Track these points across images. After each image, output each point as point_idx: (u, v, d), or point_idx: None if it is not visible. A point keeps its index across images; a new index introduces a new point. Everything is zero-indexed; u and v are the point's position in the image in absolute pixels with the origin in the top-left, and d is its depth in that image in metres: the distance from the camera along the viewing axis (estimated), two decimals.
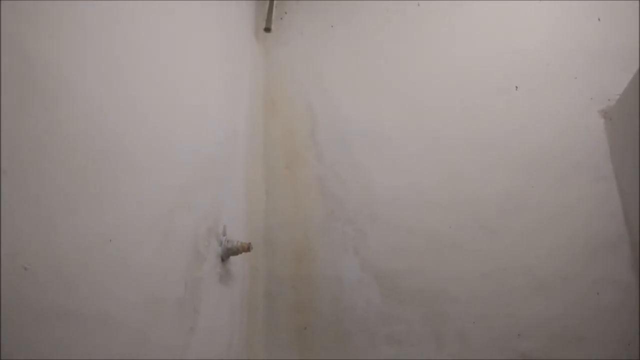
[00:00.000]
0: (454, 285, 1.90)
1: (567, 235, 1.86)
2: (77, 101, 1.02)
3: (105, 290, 1.05)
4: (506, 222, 1.92)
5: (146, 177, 1.27)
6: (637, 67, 1.74)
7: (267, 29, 2.26)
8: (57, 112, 0.96)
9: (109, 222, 1.09)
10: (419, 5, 2.27)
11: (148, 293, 1.22)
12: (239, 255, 1.74)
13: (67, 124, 0.99)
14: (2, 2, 0.84)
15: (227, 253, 1.68)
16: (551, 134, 1.96)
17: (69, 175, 0.98)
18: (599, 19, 2.03)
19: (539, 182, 1.93)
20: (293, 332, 1.97)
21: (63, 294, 0.93)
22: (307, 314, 1.98)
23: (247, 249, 1.67)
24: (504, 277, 1.86)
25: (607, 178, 1.87)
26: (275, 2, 2.25)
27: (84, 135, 1.04)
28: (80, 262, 0.98)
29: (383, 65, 2.23)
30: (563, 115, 1.97)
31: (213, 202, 1.66)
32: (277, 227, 2.11)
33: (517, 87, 2.04)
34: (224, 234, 1.69)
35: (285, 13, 2.43)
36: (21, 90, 0.88)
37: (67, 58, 1.01)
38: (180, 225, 1.43)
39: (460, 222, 1.95)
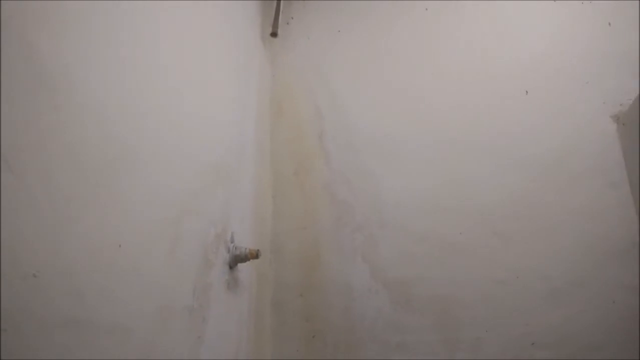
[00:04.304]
0: (466, 292, 1.86)
1: (581, 241, 1.83)
2: (86, 106, 1.00)
3: (114, 298, 1.02)
4: (518, 228, 1.88)
5: (156, 182, 1.24)
6: None
7: (274, 34, 2.24)
8: (66, 116, 0.94)
9: (117, 228, 1.06)
10: (427, 9, 2.25)
11: (157, 301, 1.19)
12: (247, 263, 1.70)
13: (76, 128, 0.96)
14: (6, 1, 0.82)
15: (235, 260, 1.64)
16: (563, 138, 1.94)
17: (78, 180, 0.95)
18: (609, 24, 2.01)
19: (551, 188, 1.90)
20: (301, 340, 1.93)
21: (71, 301, 0.90)
22: (316, 322, 1.94)
23: (256, 256, 1.64)
24: (517, 284, 1.83)
25: (620, 183, 1.84)
26: (281, 7, 2.24)
27: (93, 140, 1.01)
28: (88, 269, 0.95)
29: (391, 69, 2.21)
30: (575, 119, 1.95)
31: (222, 208, 1.63)
32: (285, 233, 2.08)
33: (527, 91, 2.01)
34: (232, 241, 1.66)
35: (292, 18, 2.41)
36: (30, 95, 0.85)
37: (76, 62, 0.98)
38: (189, 231, 1.40)
39: (471, 227, 1.92)
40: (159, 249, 1.23)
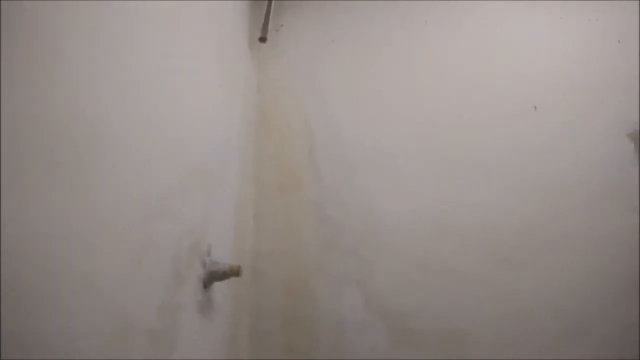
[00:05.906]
0: (473, 326, 1.66)
1: (597, 272, 1.67)
2: (60, 85, 0.81)
3: (62, 309, 0.77)
4: (527, 255, 1.72)
5: (126, 175, 1.01)
6: None
7: (263, 39, 2.06)
8: (37, 89, 0.74)
9: (76, 222, 0.82)
10: (426, 22, 2.12)
11: (116, 318, 0.93)
12: (224, 283, 1.46)
13: (47, 106, 0.77)
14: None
15: (211, 277, 1.39)
16: (574, 158, 1.79)
17: (40, 160, 0.74)
18: (619, 41, 1.91)
19: (565, 212, 1.74)
20: None
21: (5, 309, 0.64)
22: (300, 358, 1.68)
23: (237, 273, 1.39)
24: (529, 318, 1.64)
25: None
26: (271, 12, 2.07)
27: (65, 118, 0.82)
28: (30, 268, 0.70)
29: (389, 82, 2.05)
30: (587, 138, 1.81)
31: (199, 215, 1.39)
32: (267, 255, 1.84)
33: (535, 107, 1.88)
34: (208, 254, 1.41)
35: (282, 25, 2.24)
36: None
37: (58, 45, 0.80)
38: (159, 236, 1.16)
39: (476, 253, 1.74)
40: (123, 255, 0.99)
